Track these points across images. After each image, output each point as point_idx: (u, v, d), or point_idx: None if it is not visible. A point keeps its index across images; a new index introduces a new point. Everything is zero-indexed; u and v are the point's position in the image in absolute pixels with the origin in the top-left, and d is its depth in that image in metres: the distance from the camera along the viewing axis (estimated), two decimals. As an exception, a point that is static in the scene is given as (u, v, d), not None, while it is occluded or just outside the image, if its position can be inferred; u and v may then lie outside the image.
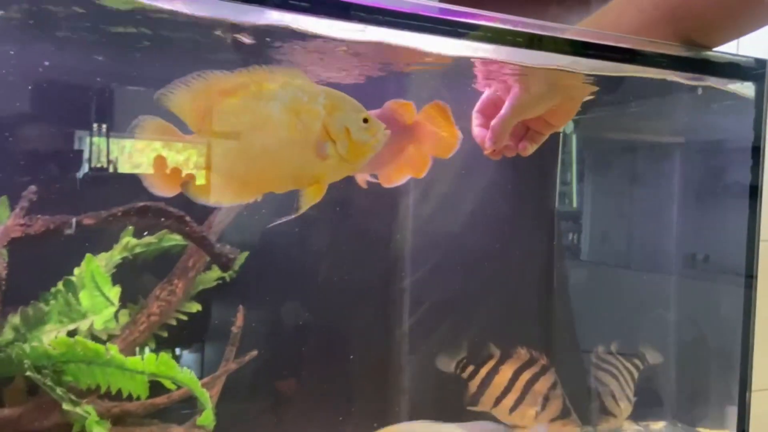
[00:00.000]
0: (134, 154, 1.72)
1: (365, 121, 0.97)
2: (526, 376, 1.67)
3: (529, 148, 1.19)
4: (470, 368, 1.72)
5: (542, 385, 1.67)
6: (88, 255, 1.39)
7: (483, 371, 1.69)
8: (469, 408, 1.69)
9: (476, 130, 1.16)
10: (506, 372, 1.68)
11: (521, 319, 1.91)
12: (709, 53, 1.17)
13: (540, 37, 0.97)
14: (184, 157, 1.05)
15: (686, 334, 2.05)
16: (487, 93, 1.15)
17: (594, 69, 1.08)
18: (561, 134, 1.89)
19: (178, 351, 1.68)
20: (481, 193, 1.83)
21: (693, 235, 2.01)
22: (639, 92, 1.61)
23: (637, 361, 1.87)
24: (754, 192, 1.44)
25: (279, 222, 1.16)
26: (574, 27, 1.08)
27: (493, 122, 1.09)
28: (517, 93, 1.07)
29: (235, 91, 0.95)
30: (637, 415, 1.94)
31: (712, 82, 1.31)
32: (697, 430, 1.93)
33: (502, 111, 1.08)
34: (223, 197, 1.05)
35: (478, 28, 0.94)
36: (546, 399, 1.65)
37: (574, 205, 1.96)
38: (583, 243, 1.98)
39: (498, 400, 1.66)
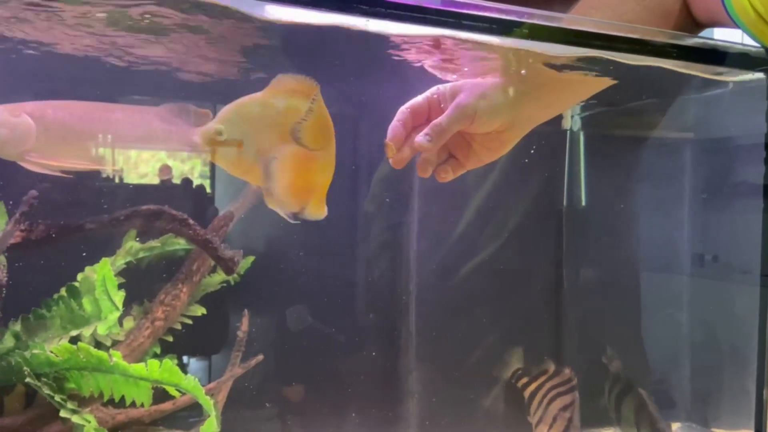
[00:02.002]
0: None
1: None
2: (549, 394, 1.64)
3: (449, 176, 1.01)
4: (524, 380, 1.70)
5: (558, 404, 1.64)
6: (103, 259, 1.37)
7: (533, 386, 1.67)
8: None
9: (396, 125, 0.98)
10: (542, 388, 1.66)
11: (532, 323, 1.89)
12: (719, 43, 1.15)
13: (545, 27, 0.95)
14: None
15: (698, 335, 2.02)
16: (428, 93, 1.00)
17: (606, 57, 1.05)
18: (568, 131, 1.87)
19: (185, 358, 1.67)
20: (487, 193, 1.81)
21: (703, 234, 1.98)
22: (648, 87, 1.58)
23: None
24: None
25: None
26: (584, 18, 1.05)
27: (436, 120, 0.94)
28: (471, 96, 0.94)
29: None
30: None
31: (723, 73, 1.28)
32: (712, 431, 1.89)
33: (450, 110, 0.94)
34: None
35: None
36: (554, 419, 1.63)
37: (583, 203, 1.93)
38: (592, 243, 1.95)
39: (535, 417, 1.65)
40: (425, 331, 1.78)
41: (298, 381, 1.80)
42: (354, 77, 1.66)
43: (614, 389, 1.72)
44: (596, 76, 1.12)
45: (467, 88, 0.97)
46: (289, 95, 0.99)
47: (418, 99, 1.00)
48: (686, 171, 1.97)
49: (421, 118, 0.98)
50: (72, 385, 1.24)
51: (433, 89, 0.99)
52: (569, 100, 1.24)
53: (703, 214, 1.98)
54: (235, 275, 1.63)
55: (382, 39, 0.96)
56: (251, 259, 1.66)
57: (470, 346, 1.81)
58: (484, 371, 1.78)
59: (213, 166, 1.95)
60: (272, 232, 1.86)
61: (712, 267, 1.97)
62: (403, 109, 0.99)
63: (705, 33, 1.24)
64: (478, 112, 0.95)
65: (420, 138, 0.93)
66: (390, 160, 0.98)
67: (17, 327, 1.33)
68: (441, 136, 0.93)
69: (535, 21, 0.93)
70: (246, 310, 1.54)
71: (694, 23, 1.12)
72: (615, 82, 1.16)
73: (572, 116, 1.83)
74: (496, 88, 0.97)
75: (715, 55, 1.17)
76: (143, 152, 1.56)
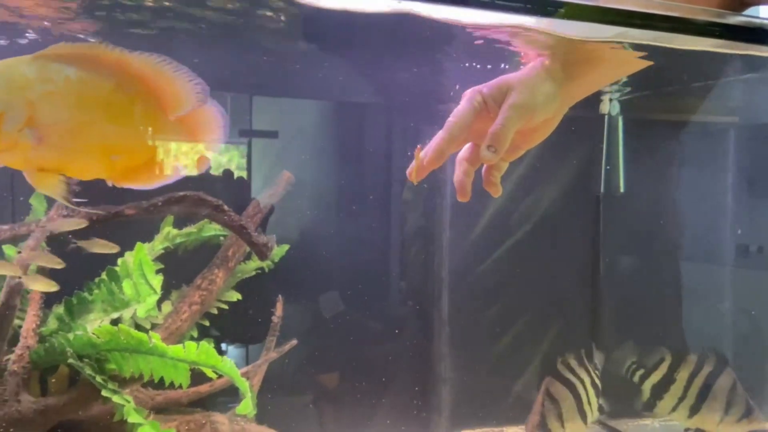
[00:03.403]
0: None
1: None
2: (701, 379, 1.62)
3: (498, 179, 0.92)
4: (640, 372, 1.67)
5: (722, 385, 1.62)
6: (138, 244, 1.40)
7: (656, 376, 1.65)
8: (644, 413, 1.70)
9: (459, 176, 0.88)
10: (682, 376, 1.63)
11: (567, 310, 1.87)
12: (766, 21, 1.10)
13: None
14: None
15: (742, 326, 1.96)
16: (472, 102, 0.88)
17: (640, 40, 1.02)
18: (606, 116, 1.84)
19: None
20: (522, 179, 1.78)
21: (748, 223, 1.92)
22: (690, 69, 1.53)
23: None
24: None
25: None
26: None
27: (495, 128, 0.85)
28: (524, 93, 0.87)
29: None
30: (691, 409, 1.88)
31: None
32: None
33: (506, 112, 0.86)
34: None
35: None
36: (728, 400, 1.61)
37: (621, 190, 1.89)
38: (631, 230, 1.91)
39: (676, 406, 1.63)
40: (458, 318, 1.78)
41: (331, 368, 1.82)
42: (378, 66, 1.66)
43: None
44: (635, 53, 1.09)
45: (516, 85, 0.89)
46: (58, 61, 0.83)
47: (464, 113, 0.88)
48: (729, 157, 1.91)
49: (470, 131, 0.89)
50: (113, 366, 1.27)
51: (475, 96, 0.88)
52: (607, 76, 1.20)
53: (747, 203, 1.93)
54: (269, 262, 1.65)
55: (418, 20, 0.94)
56: (286, 247, 1.68)
57: (503, 332, 1.80)
58: (517, 357, 1.76)
59: (249, 157, 1.98)
60: (307, 220, 1.88)
61: (757, 258, 1.91)
62: (450, 135, 0.86)
63: (750, 12, 1.20)
64: (537, 107, 0.88)
65: (485, 153, 0.84)
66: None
67: (60, 309, 1.37)
68: (504, 144, 0.85)
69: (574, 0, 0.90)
70: (280, 296, 1.56)
71: (738, 1, 1.07)
72: (651, 63, 1.13)
73: (610, 100, 1.80)
74: (542, 77, 0.90)
75: (761, 34, 1.12)
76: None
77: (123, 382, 1.29)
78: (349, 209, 1.88)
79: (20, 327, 1.28)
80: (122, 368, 1.27)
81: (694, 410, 1.62)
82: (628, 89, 1.72)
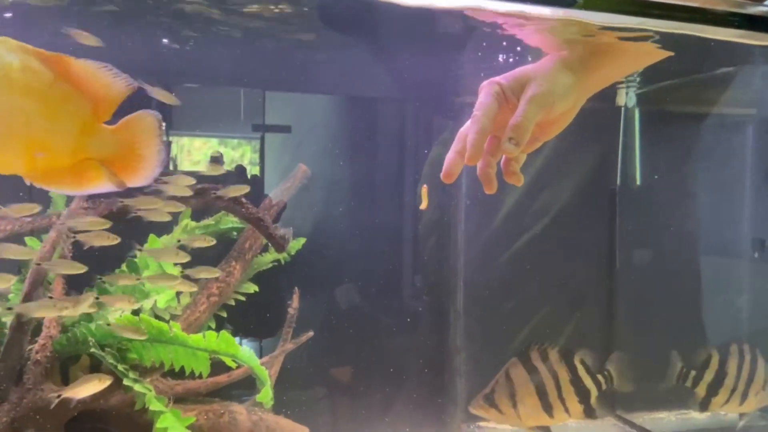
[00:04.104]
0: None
1: None
2: (746, 366, 1.65)
3: (518, 169, 0.90)
4: (693, 375, 1.68)
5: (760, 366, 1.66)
6: (151, 236, 1.42)
7: (709, 375, 1.66)
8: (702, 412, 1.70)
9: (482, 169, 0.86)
10: (731, 368, 1.66)
11: (583, 303, 1.86)
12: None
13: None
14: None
15: (759, 321, 1.95)
16: (492, 94, 0.87)
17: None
18: (623, 108, 1.83)
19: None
20: (537, 172, 1.78)
21: (765, 217, 1.91)
22: (708, 60, 1.52)
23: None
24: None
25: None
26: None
27: (515, 120, 0.84)
28: (544, 85, 0.86)
29: None
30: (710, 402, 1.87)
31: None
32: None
33: (526, 104, 0.84)
34: None
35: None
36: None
37: (637, 182, 1.89)
38: (647, 224, 1.90)
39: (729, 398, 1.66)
40: (473, 311, 1.78)
41: (347, 361, 1.83)
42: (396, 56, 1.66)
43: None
44: (654, 44, 1.09)
45: (535, 77, 0.88)
46: None
47: (489, 105, 0.86)
48: (748, 150, 1.90)
49: (496, 123, 0.87)
50: (134, 356, 1.28)
51: (493, 87, 0.87)
52: (625, 68, 1.19)
53: (765, 197, 1.91)
54: (285, 255, 1.66)
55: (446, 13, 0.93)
56: (302, 240, 1.69)
57: (519, 326, 1.80)
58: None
59: (263, 152, 1.99)
60: (322, 213, 1.89)
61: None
62: (482, 128, 0.85)
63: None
64: (557, 99, 0.88)
65: (506, 146, 0.83)
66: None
67: (82, 300, 1.39)
68: (525, 136, 0.84)
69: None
70: (296, 288, 1.57)
71: None
72: (670, 54, 1.13)
73: (627, 93, 1.79)
74: (561, 68, 0.89)
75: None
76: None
77: (144, 371, 1.31)
78: (366, 203, 1.89)
79: (43, 317, 1.30)
80: (143, 357, 1.28)
81: (744, 397, 1.65)
82: (645, 81, 1.71)
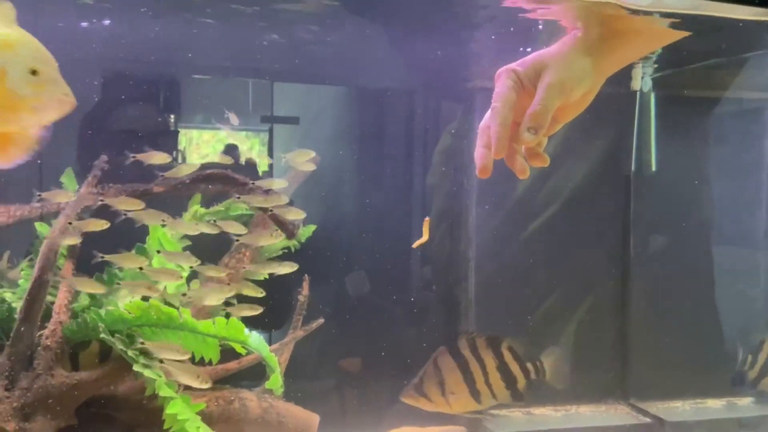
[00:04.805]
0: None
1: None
2: None
3: (541, 153, 0.90)
4: (749, 360, 1.79)
5: None
6: (151, 226, 1.40)
7: (762, 357, 1.78)
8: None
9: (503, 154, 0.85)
10: None
11: (596, 290, 1.84)
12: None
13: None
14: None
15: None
16: (509, 83, 0.87)
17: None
18: (638, 93, 1.80)
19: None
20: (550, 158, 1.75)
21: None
22: (725, 41, 1.49)
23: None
24: None
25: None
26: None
27: (533, 109, 0.84)
28: (560, 71, 0.85)
29: None
30: (721, 391, 1.86)
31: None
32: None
33: (543, 92, 0.84)
34: None
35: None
36: None
37: (652, 168, 1.86)
38: (662, 210, 1.87)
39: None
40: (484, 299, 1.77)
41: (357, 350, 1.82)
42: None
43: None
44: (670, 25, 1.06)
45: (551, 63, 0.87)
46: None
47: (507, 95, 0.86)
48: (766, 135, 1.87)
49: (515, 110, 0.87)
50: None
51: (510, 75, 0.86)
52: (643, 48, 1.17)
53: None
54: (295, 242, 1.65)
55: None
56: (312, 227, 1.68)
57: (531, 313, 1.79)
58: (545, 338, 1.74)
59: (270, 143, 1.97)
60: (332, 203, 1.88)
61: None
62: (504, 120, 0.84)
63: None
64: (574, 84, 0.87)
65: (525, 135, 0.84)
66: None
67: (92, 286, 1.39)
68: (544, 124, 0.84)
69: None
70: (306, 276, 1.55)
71: None
72: (687, 34, 1.10)
73: (642, 77, 1.76)
74: (577, 51, 0.89)
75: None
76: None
77: (153, 357, 1.30)
78: (375, 191, 1.88)
79: (53, 303, 1.30)
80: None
81: None
82: (661, 65, 1.68)
